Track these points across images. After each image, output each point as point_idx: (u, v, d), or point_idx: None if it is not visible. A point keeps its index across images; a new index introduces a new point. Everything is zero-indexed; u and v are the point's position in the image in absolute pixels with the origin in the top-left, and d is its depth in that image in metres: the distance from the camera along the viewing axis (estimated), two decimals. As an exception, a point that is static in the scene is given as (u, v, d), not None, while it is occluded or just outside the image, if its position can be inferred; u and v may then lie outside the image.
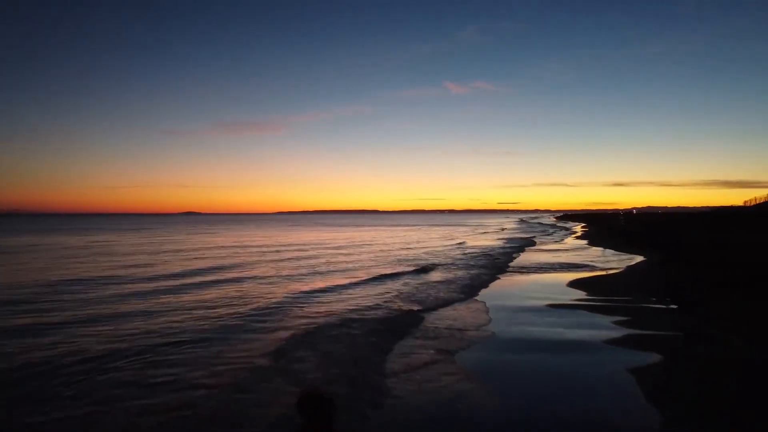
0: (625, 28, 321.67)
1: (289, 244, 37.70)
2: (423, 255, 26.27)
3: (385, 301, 12.90)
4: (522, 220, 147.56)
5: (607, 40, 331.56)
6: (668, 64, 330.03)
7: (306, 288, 15.58)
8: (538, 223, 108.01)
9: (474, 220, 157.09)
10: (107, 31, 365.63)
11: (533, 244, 36.00)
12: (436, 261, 22.65)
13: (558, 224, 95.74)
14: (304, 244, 37.99)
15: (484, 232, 59.17)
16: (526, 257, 25.29)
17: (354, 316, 11.09)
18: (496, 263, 21.56)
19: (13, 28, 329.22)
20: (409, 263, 21.89)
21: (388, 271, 19.30)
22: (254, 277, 18.08)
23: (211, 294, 14.56)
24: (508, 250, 29.77)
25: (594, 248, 30.99)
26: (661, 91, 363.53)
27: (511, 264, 21.78)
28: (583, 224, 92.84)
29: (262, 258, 25.98)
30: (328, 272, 19.27)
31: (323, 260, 24.06)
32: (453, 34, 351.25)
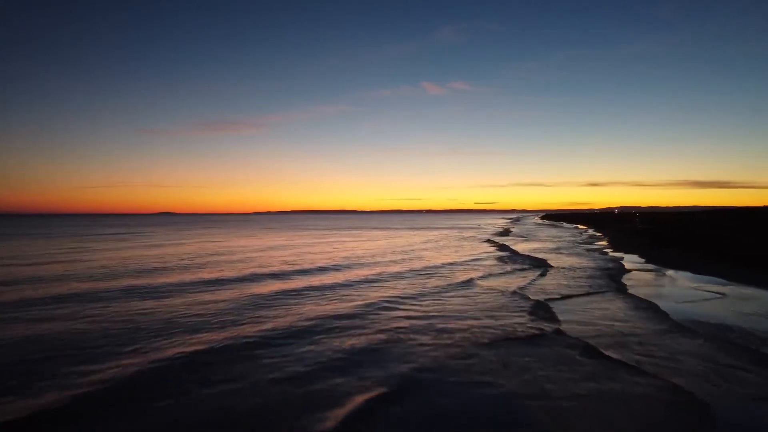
0: (602, 29, 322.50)
1: (323, 269, 23.59)
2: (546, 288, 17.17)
3: None
4: (517, 220, 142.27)
5: (583, 41, 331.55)
6: (643, 66, 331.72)
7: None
8: (538, 224, 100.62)
9: (467, 221, 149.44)
10: (83, 31, 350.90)
11: (621, 270, 23.65)
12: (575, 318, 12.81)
13: (564, 226, 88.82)
14: (347, 264, 26.03)
15: (524, 239, 51.21)
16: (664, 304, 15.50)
17: None
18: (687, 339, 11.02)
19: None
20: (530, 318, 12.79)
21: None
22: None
23: None
24: (610, 274, 20.64)
25: (669, 271, 23.44)
26: (636, 92, 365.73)
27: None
28: (583, 226, 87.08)
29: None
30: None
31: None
32: (430, 34, 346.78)
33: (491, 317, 12.99)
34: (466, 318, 12.91)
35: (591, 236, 54.30)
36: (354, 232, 73.13)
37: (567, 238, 50.91)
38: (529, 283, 19.11)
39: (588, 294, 16.68)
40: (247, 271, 22.40)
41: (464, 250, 36.16)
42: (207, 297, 15.66)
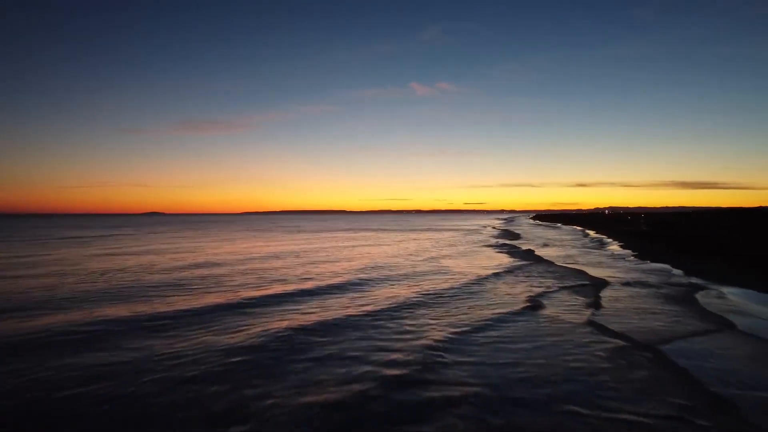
0: (587, 31, 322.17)
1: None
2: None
3: None
4: (510, 221, 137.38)
5: (570, 42, 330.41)
6: (627, 67, 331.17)
7: None
8: (534, 225, 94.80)
9: (462, 222, 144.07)
10: (67, 30, 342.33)
11: (682, 288, 18.95)
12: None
13: (561, 228, 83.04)
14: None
15: (537, 243, 44.69)
16: None
17: None
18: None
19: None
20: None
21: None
22: None
23: None
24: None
25: (724, 288, 17.95)
26: (621, 93, 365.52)
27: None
28: (579, 227, 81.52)
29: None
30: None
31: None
32: (417, 34, 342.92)
33: (600, 394, 7.66)
34: (559, 399, 7.46)
35: (598, 239, 49.85)
36: (345, 234, 67.88)
37: (575, 242, 46.32)
38: (596, 310, 14.14)
39: (699, 333, 11.57)
40: (199, 301, 15.56)
41: (483, 259, 30.93)
42: (93, 359, 9.45)
